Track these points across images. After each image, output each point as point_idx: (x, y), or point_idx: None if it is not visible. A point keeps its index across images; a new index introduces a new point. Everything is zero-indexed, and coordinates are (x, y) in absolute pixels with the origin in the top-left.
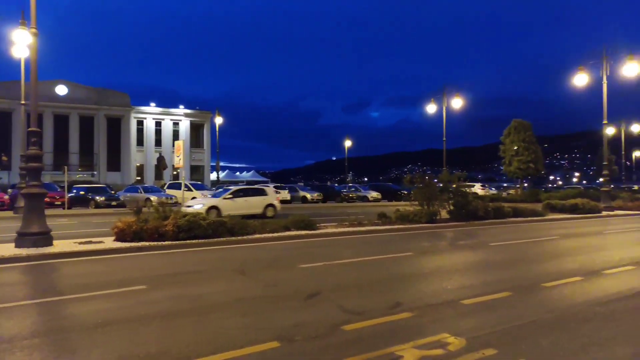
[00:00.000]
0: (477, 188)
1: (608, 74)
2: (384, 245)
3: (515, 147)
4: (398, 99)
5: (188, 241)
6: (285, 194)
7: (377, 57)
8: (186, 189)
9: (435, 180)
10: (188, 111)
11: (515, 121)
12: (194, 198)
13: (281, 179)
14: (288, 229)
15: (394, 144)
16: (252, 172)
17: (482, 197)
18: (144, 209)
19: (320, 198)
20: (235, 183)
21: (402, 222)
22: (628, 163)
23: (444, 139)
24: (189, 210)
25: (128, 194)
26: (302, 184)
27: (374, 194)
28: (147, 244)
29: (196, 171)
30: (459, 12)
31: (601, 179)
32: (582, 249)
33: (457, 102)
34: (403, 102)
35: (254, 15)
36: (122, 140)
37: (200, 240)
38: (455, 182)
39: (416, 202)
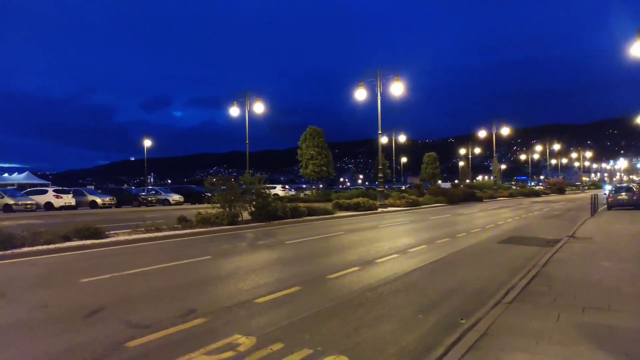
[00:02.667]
0: (279, 189)
1: (382, 90)
2: (182, 250)
3: (311, 152)
4: (201, 100)
5: None
6: (70, 199)
7: (176, 55)
8: None
9: (242, 182)
10: None
11: (310, 128)
12: None
13: (67, 181)
14: (69, 239)
15: (200, 146)
16: (26, 173)
17: (281, 198)
18: None
19: (113, 202)
20: (3, 186)
21: (204, 225)
22: (398, 167)
23: (247, 142)
24: None
25: None
26: (92, 187)
27: (176, 197)
28: None
29: None
30: (259, 22)
31: (378, 181)
32: (361, 242)
33: (259, 107)
34: (207, 103)
35: None
36: None
37: None
38: (257, 183)
39: (218, 205)
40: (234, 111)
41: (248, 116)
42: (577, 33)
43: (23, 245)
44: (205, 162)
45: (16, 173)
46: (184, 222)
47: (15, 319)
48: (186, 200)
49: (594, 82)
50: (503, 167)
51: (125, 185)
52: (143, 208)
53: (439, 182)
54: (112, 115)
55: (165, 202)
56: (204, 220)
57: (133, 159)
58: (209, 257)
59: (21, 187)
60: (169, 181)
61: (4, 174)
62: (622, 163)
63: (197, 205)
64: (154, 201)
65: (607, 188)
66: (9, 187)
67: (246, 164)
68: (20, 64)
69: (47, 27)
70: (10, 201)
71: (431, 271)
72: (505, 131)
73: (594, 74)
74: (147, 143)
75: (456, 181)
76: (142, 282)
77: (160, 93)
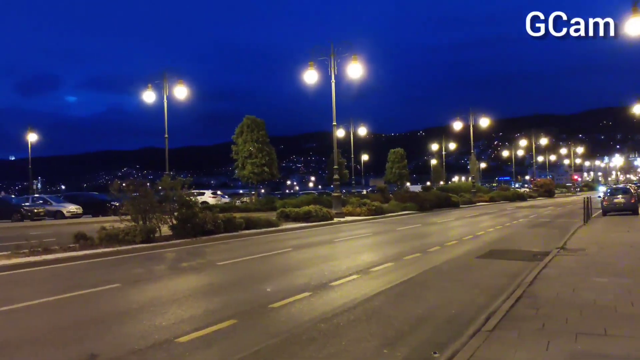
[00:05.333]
0: (208, 196)
1: (336, 73)
2: (81, 277)
3: (250, 148)
4: (103, 81)
5: None
6: None
7: (63, 19)
8: None
9: (160, 188)
10: None
11: (248, 118)
12: None
13: None
14: None
15: (104, 141)
16: None
17: (212, 207)
18: None
19: None
20: None
21: (110, 244)
22: (358, 166)
23: (166, 135)
24: None
25: None
26: None
27: (72, 208)
28: None
29: None
30: None
31: (333, 184)
32: (312, 261)
33: (181, 91)
34: (110, 85)
35: None
36: None
37: None
38: (179, 189)
39: (128, 217)
40: (149, 96)
41: (167, 103)
42: (559, 4)
43: None
44: (112, 162)
45: None
46: (82, 240)
47: None
48: (86, 212)
49: (583, 64)
50: (482, 165)
51: (3, 193)
52: (27, 223)
53: (408, 184)
54: None
55: (58, 214)
56: (110, 238)
57: (13, 158)
58: (117, 285)
59: None
60: (63, 187)
61: None
62: (617, 160)
63: (100, 218)
64: (42, 213)
65: (602, 190)
66: None
67: (165, 164)
68: None
69: None
70: None
71: (398, 295)
72: (484, 122)
73: (582, 54)
74: (32, 137)
75: (428, 183)
76: (26, 320)
77: (43, 70)
